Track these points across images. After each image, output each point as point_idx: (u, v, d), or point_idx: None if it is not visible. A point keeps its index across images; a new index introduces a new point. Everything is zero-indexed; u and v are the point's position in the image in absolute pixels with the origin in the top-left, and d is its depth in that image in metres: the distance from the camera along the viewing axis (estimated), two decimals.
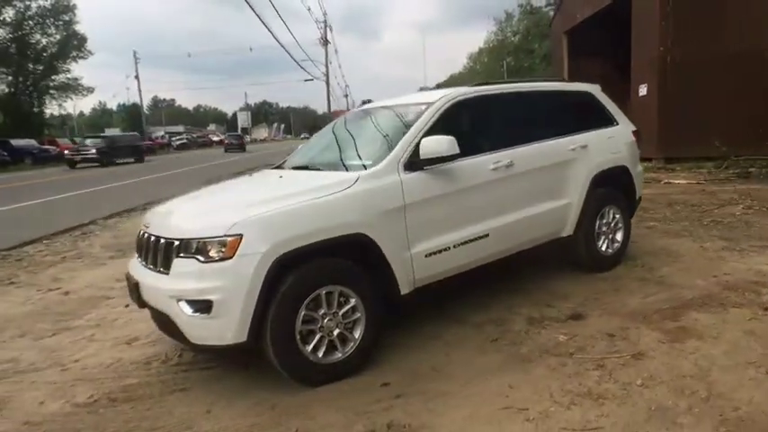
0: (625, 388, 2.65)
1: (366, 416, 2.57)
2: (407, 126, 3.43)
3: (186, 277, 2.68)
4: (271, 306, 2.67)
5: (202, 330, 2.69)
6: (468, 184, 3.45)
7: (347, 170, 3.31)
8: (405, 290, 3.19)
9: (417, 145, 3.25)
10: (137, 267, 3.12)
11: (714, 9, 11.49)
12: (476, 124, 3.71)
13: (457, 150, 3.18)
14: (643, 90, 12.68)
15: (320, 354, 2.86)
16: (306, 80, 42.47)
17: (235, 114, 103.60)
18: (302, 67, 36.25)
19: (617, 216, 4.54)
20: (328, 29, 42.88)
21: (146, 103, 53.23)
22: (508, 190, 3.71)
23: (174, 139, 54.13)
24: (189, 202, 3.43)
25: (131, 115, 58.14)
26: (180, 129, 74.62)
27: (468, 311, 3.82)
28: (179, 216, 3.09)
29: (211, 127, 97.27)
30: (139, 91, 49.03)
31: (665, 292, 3.89)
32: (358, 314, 2.98)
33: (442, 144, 3.15)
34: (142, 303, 3.00)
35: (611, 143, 4.46)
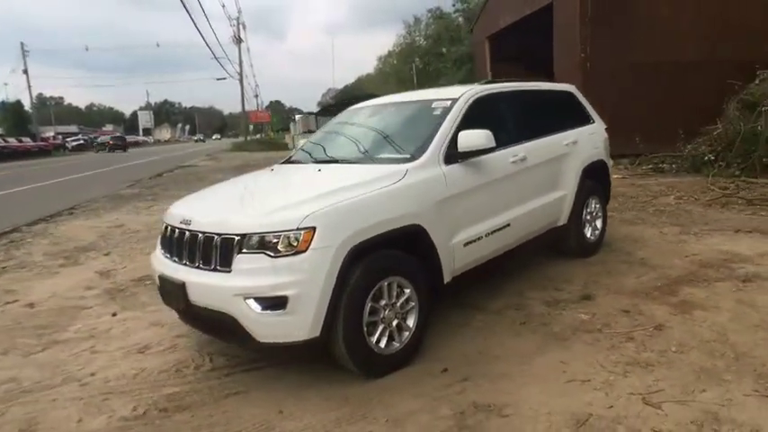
0: (663, 355, 2.95)
1: (444, 400, 2.64)
2: (436, 120, 3.53)
3: (255, 274, 2.57)
4: (342, 299, 2.65)
5: (273, 328, 2.60)
6: (494, 177, 3.62)
7: (388, 163, 3.33)
8: (447, 278, 3.29)
9: (453, 138, 3.37)
10: (172, 268, 2.93)
11: (624, 24, 12.76)
12: (494, 119, 3.88)
13: (493, 144, 3.34)
14: None
15: (382, 344, 2.87)
16: (218, 79, 40.88)
17: (135, 114, 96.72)
18: (222, 65, 34.70)
19: (597, 206, 4.96)
20: (241, 26, 41.59)
21: (30, 101, 47.81)
22: (523, 182, 3.94)
23: (69, 139, 49.43)
24: (230, 197, 3.29)
25: (13, 114, 52.19)
26: (74, 129, 68.29)
27: (484, 299, 3.99)
28: (232, 211, 2.94)
29: (108, 127, 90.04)
30: (29, 87, 44.23)
31: (652, 272, 4.33)
32: (412, 304, 3.03)
33: (480, 137, 3.28)
34: (187, 306, 2.82)
35: (593, 139, 4.88)
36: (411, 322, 3.03)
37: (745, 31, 12.92)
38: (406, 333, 3.00)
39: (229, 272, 2.65)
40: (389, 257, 2.87)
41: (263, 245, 2.59)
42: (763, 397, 2.46)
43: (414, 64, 63.24)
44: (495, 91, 3.96)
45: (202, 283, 2.73)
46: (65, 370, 3.29)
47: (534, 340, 3.29)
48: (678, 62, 12.49)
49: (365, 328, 2.77)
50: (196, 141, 71.92)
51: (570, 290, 4.09)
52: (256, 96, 62.45)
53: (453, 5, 54.17)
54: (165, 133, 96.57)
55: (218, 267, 2.70)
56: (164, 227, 3.24)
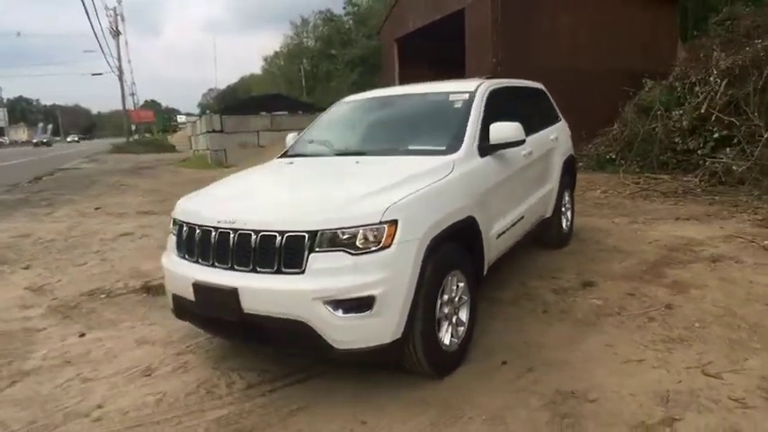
0: (692, 330, 3.19)
1: (525, 392, 2.61)
2: (460, 112, 3.49)
3: (335, 274, 2.32)
4: (419, 296, 2.50)
5: (355, 333, 2.37)
6: (514, 169, 3.67)
7: (425, 155, 3.20)
8: (485, 270, 3.27)
9: (482, 130, 3.35)
10: (214, 274, 2.56)
11: (531, 32, 13.78)
12: (505, 113, 3.92)
13: (524, 136, 3.37)
14: None
15: (447, 341, 2.77)
16: (94, 74, 37.08)
17: None
18: (106, 60, 31.34)
19: (568, 198, 5.26)
20: (119, 18, 38.14)
21: None
22: (530, 175, 4.05)
23: None
24: (269, 191, 2.94)
25: None
26: None
27: (490, 290, 4.02)
28: (289, 206, 2.62)
29: None
30: None
31: (631, 258, 4.68)
32: (465, 298, 2.95)
33: (511, 130, 3.30)
34: (241, 316, 2.47)
35: (565, 135, 5.16)
36: (464, 316, 2.95)
37: (633, 45, 14.64)
38: (461, 328, 2.92)
39: (301, 273, 2.36)
40: (453, 251, 2.77)
41: (341, 241, 2.35)
42: None
43: (302, 65, 62.82)
44: (502, 85, 4.02)
45: (264, 289, 2.40)
46: (59, 405, 2.73)
47: (566, 327, 3.38)
48: (578, 69, 13.72)
49: (436, 325, 2.65)
50: (69, 142, 64.02)
51: (568, 278, 4.28)
52: (132, 95, 57.36)
53: (344, 8, 54.59)
54: (21, 133, 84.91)
55: (283, 269, 2.40)
56: (183, 228, 2.82)
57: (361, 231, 2.35)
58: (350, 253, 2.34)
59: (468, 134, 3.28)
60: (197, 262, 2.68)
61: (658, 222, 5.99)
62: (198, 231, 2.68)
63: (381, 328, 2.38)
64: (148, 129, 54.95)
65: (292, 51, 68.12)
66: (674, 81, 10.41)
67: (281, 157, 3.99)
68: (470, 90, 3.67)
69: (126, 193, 11.80)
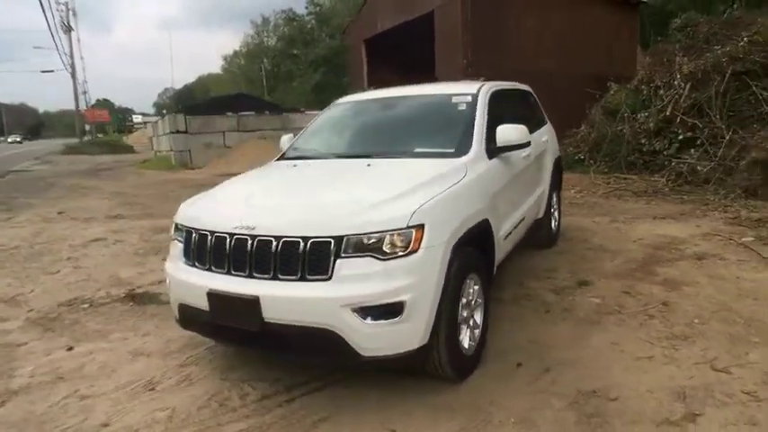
0: (692, 327, 3.29)
1: (547, 393, 2.62)
2: (464, 114, 3.49)
3: (364, 280, 2.26)
4: (444, 301, 2.48)
5: (383, 340, 2.31)
6: (516, 171, 3.70)
7: (435, 157, 3.18)
8: (494, 272, 3.27)
9: (489, 132, 3.36)
10: (232, 282, 2.45)
11: (500, 34, 14.03)
12: (504, 115, 3.94)
13: (528, 139, 3.40)
14: None
15: (466, 345, 2.75)
16: (44, 71, 35.34)
17: None
18: (60, 57, 29.94)
19: (556, 198, 5.36)
20: (71, 13, 36.56)
21: None
22: (528, 177, 4.09)
23: None
24: (282, 195, 2.83)
25: None
26: None
27: (492, 291, 4.04)
28: (310, 210, 2.53)
29: None
30: None
31: (620, 257, 4.81)
32: (479, 300, 2.95)
33: (517, 132, 3.32)
34: (262, 325, 2.37)
35: (552, 137, 5.25)
36: (479, 319, 2.95)
37: (597, 49, 15.12)
38: (477, 331, 2.92)
39: (327, 280, 2.29)
40: (471, 254, 2.76)
41: (368, 246, 2.30)
42: None
43: (263, 65, 62.00)
44: (500, 88, 4.04)
45: (288, 297, 2.32)
46: (59, 425, 2.56)
47: (570, 326, 3.43)
48: (545, 71, 14.03)
49: (456, 329, 2.63)
50: (11, 143, 60.42)
51: (563, 277, 4.35)
52: (85, 93, 54.88)
53: (306, 7, 54.13)
54: None
55: (307, 276, 2.32)
56: (192, 235, 2.69)
57: (388, 236, 2.31)
58: (378, 258, 2.29)
59: (476, 137, 3.28)
60: (210, 270, 2.57)
61: (638, 221, 6.18)
62: (210, 238, 2.56)
63: (410, 333, 2.34)
64: (102, 129, 52.84)
65: (253, 51, 67.10)
66: (640, 84, 10.79)
67: (279, 159, 3.87)
68: (473, 92, 3.67)
69: (88, 197, 11.28)
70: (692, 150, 9.00)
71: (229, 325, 2.51)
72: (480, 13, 13.82)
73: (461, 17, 13.74)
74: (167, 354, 3.32)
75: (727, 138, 8.48)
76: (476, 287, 2.89)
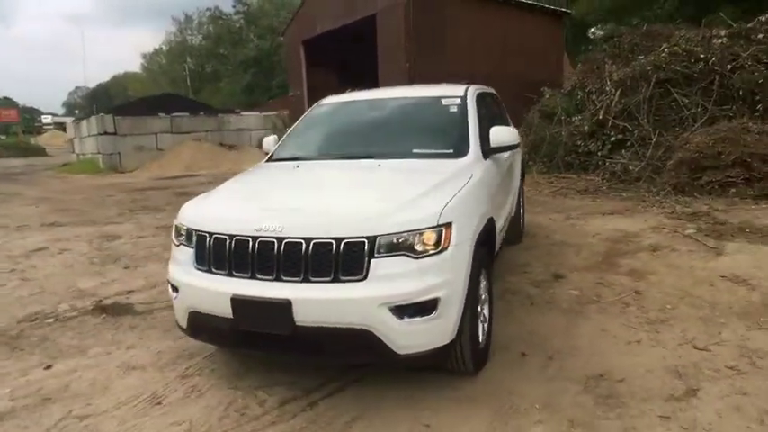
0: (666, 312, 3.60)
1: (558, 379, 2.78)
2: (456, 116, 3.61)
3: (400, 278, 2.29)
4: (468, 296, 2.56)
5: (418, 337, 2.36)
6: (502, 171, 3.87)
7: (436, 158, 3.26)
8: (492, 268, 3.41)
9: (482, 133, 3.50)
10: (259, 287, 2.39)
11: (439, 39, 14.45)
12: (487, 116, 4.10)
13: (518, 140, 3.57)
14: None
15: (480, 338, 2.86)
16: None
17: None
18: None
19: (521, 198, 5.63)
20: None
21: None
22: (509, 176, 4.28)
23: None
24: (297, 196, 2.78)
25: None
26: None
27: None
28: (343, 211, 2.50)
29: None
30: None
31: (584, 251, 5.14)
32: (486, 295, 3.06)
33: (509, 134, 3.49)
34: (293, 328, 2.34)
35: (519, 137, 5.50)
36: (486, 313, 3.06)
37: (528, 56, 15.92)
38: (485, 324, 3.03)
39: (362, 280, 2.31)
40: (483, 250, 2.86)
41: (401, 245, 2.34)
42: (762, 330, 3.24)
43: (186, 64, 59.68)
44: (480, 91, 4.20)
45: (322, 299, 2.30)
46: None
47: (557, 316, 3.64)
48: (482, 75, 14.57)
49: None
50: None
51: (538, 272, 4.59)
52: None
53: (234, 6, 52.66)
54: None
55: (340, 277, 2.32)
56: (207, 239, 2.58)
57: (420, 235, 2.35)
58: (412, 257, 2.33)
59: (472, 138, 3.41)
60: (231, 275, 2.49)
61: (589, 217, 6.62)
62: (230, 242, 2.48)
63: (442, 329, 2.41)
64: (5, 130, 48.37)
65: (175, 49, 64.31)
66: (574, 90, 11.52)
67: (270, 161, 3.79)
68: (460, 95, 3.80)
69: (11, 203, 10.36)
70: (624, 151, 9.74)
71: (257, 331, 2.44)
72: (421, 19, 14.18)
73: (404, 22, 14.02)
74: (162, 366, 3.16)
75: (654, 140, 9.27)
76: (484, 282, 3.00)
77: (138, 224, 7.72)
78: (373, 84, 15.77)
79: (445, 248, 2.39)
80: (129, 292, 4.58)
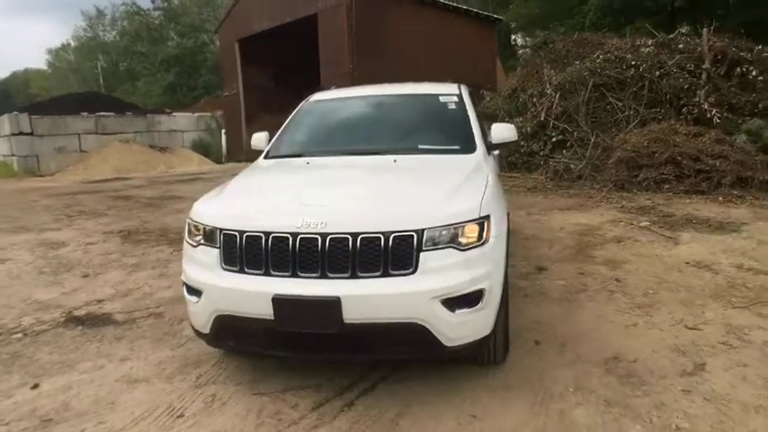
0: (650, 297, 3.87)
1: (578, 362, 2.91)
2: (456, 113, 3.68)
3: (448, 270, 2.31)
4: (504, 287, 2.63)
5: (465, 328, 2.38)
6: (496, 168, 3.98)
7: (446, 154, 3.30)
8: None
9: (483, 129, 3.59)
10: (303, 285, 2.31)
11: (380, 40, 14.56)
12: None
13: (517, 136, 3.70)
14: None
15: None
16: None
17: None
18: None
19: None
20: None
21: None
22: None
23: None
24: (341, 192, 2.69)
25: None
26: None
27: None
28: (388, 205, 2.46)
29: None
30: None
31: (556, 244, 5.40)
32: None
33: (509, 130, 3.61)
34: (341, 326, 2.28)
35: None
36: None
37: (464, 60, 16.42)
38: None
39: (412, 274, 2.29)
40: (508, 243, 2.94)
41: (447, 238, 2.35)
42: (736, 308, 3.58)
43: (99, 62, 56.11)
44: (469, 89, 4.29)
45: (372, 294, 2.26)
46: None
47: (553, 306, 3.81)
48: (421, 75, 14.88)
49: None
50: None
51: (521, 264, 4.77)
52: None
53: (153, 2, 49.97)
54: None
55: (390, 272, 2.29)
56: (237, 238, 2.45)
57: (464, 227, 2.38)
58: (459, 249, 2.35)
59: (476, 134, 3.49)
60: (267, 274, 2.38)
61: (549, 213, 6.96)
62: (266, 239, 2.37)
63: (485, 320, 2.45)
64: None
65: (86, 45, 60.06)
66: (516, 92, 12.06)
67: (267, 157, 3.65)
68: (456, 92, 3.88)
69: None
70: (564, 151, 10.33)
71: (300, 331, 2.35)
72: (363, 20, 14.22)
73: (347, 23, 13.99)
74: (168, 377, 2.96)
75: (593, 140, 9.92)
76: None
77: (81, 230, 7.13)
78: (315, 84, 15.65)
79: (486, 240, 2.44)
80: (99, 301, 4.23)
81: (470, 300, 2.36)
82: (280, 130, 3.90)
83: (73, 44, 63.88)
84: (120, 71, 54.89)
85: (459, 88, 3.95)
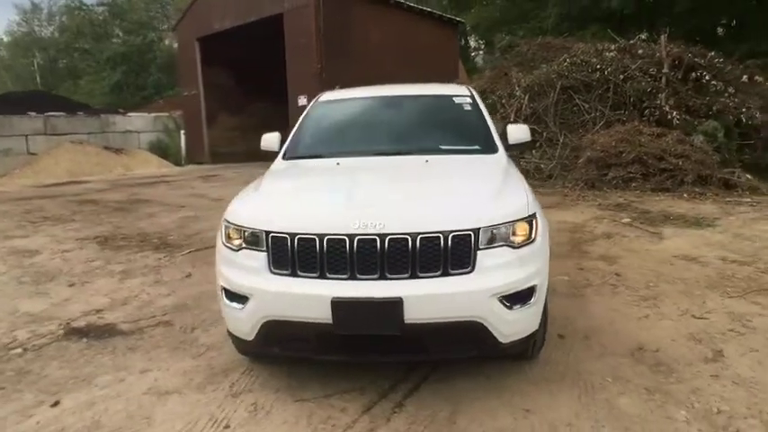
0: (652, 289, 4.06)
1: (606, 355, 3.02)
2: (472, 114, 3.74)
3: (504, 268, 2.34)
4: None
5: (519, 324, 2.43)
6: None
7: (467, 154, 3.35)
8: None
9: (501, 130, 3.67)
10: (364, 287, 2.29)
11: (345, 44, 14.51)
12: None
13: (530, 137, 3.80)
14: (302, 100, 14.48)
15: None
16: None
17: None
18: None
19: None
20: None
21: None
22: None
23: None
24: (393, 193, 2.66)
25: None
26: None
27: None
28: (444, 205, 2.47)
29: None
30: None
31: (550, 240, 5.55)
32: None
33: (524, 131, 3.70)
34: (402, 327, 2.27)
35: None
36: None
37: (427, 62, 16.60)
38: None
39: (470, 272, 2.32)
40: None
41: (501, 237, 2.39)
42: (733, 298, 3.81)
43: (35, 59, 53.23)
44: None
45: (433, 294, 2.27)
46: None
47: (565, 301, 3.92)
48: (387, 75, 14.93)
49: None
50: None
51: None
52: None
53: None
54: None
55: (450, 271, 2.31)
56: (288, 241, 2.39)
57: (516, 226, 2.43)
58: (512, 247, 2.40)
59: (495, 135, 3.55)
60: (323, 277, 2.34)
61: None
62: (320, 242, 2.33)
63: (535, 316, 2.51)
64: None
65: (21, 41, 56.66)
66: (485, 94, 12.30)
67: (287, 158, 3.56)
68: (468, 93, 3.93)
69: None
70: (534, 151, 10.66)
71: (360, 333, 2.32)
72: (331, 21, 14.13)
73: (314, 24, 13.85)
74: (198, 387, 2.85)
75: (561, 141, 10.30)
76: None
77: (51, 237, 6.72)
78: (279, 84, 15.40)
79: (535, 239, 2.50)
80: (97, 311, 4.01)
81: (524, 296, 2.41)
82: (293, 131, 3.82)
83: (5, 39, 60.24)
84: (60, 69, 52.16)
85: (470, 90, 4.02)
